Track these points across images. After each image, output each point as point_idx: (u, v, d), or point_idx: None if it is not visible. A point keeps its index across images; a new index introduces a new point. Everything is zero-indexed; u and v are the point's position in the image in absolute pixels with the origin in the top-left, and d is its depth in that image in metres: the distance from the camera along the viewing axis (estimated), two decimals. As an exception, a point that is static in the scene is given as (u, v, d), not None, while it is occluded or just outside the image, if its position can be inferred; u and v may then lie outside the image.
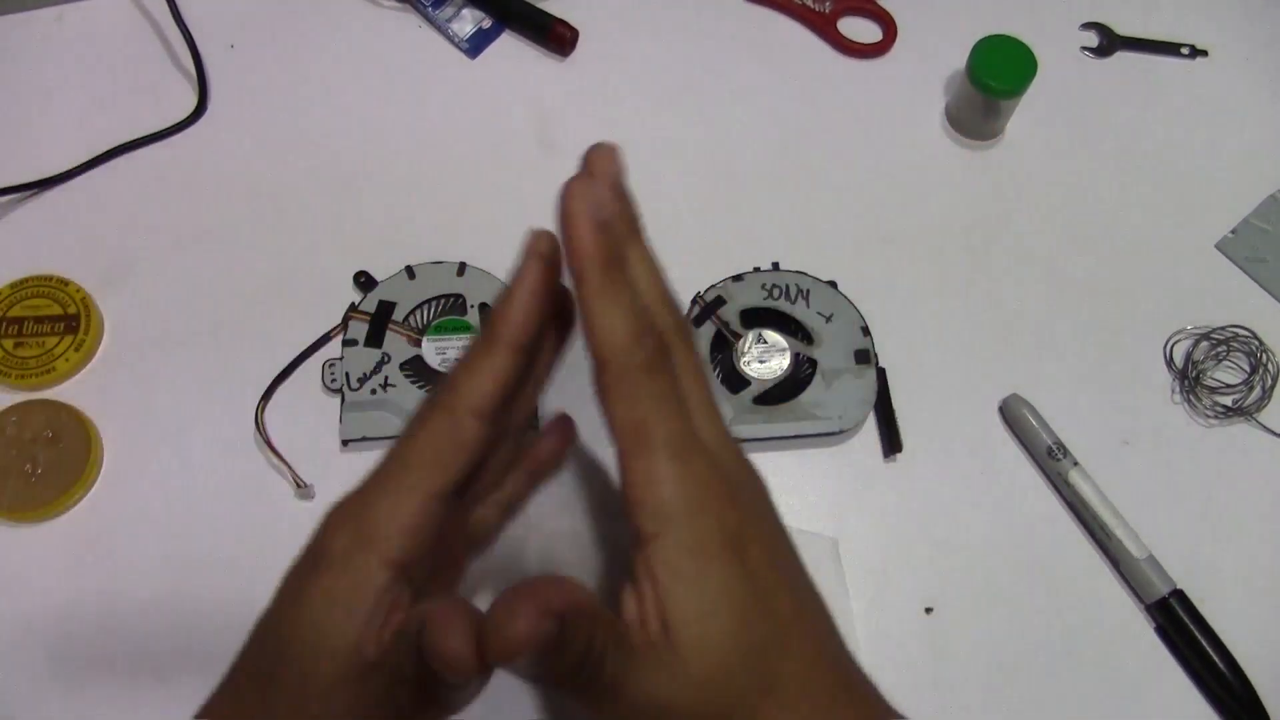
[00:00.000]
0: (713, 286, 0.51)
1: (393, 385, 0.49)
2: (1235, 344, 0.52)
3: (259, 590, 0.47)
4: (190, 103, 0.57)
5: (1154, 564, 0.46)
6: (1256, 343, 0.52)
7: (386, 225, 0.54)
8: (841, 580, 0.47)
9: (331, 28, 0.60)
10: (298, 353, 0.50)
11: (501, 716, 0.42)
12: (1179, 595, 0.45)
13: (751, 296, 0.51)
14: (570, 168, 0.60)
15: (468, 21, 0.60)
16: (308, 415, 0.49)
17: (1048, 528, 0.48)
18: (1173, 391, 0.51)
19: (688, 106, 0.58)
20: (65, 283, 0.51)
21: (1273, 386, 0.51)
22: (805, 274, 0.52)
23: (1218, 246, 0.55)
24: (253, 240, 0.54)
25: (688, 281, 0.52)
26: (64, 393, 0.50)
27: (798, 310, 0.50)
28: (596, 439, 0.46)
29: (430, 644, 0.27)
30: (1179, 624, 0.45)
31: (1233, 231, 0.55)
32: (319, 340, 0.51)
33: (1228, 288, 0.54)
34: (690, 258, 0.53)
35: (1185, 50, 0.60)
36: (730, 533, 0.28)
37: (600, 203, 0.30)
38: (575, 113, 0.58)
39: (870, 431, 0.50)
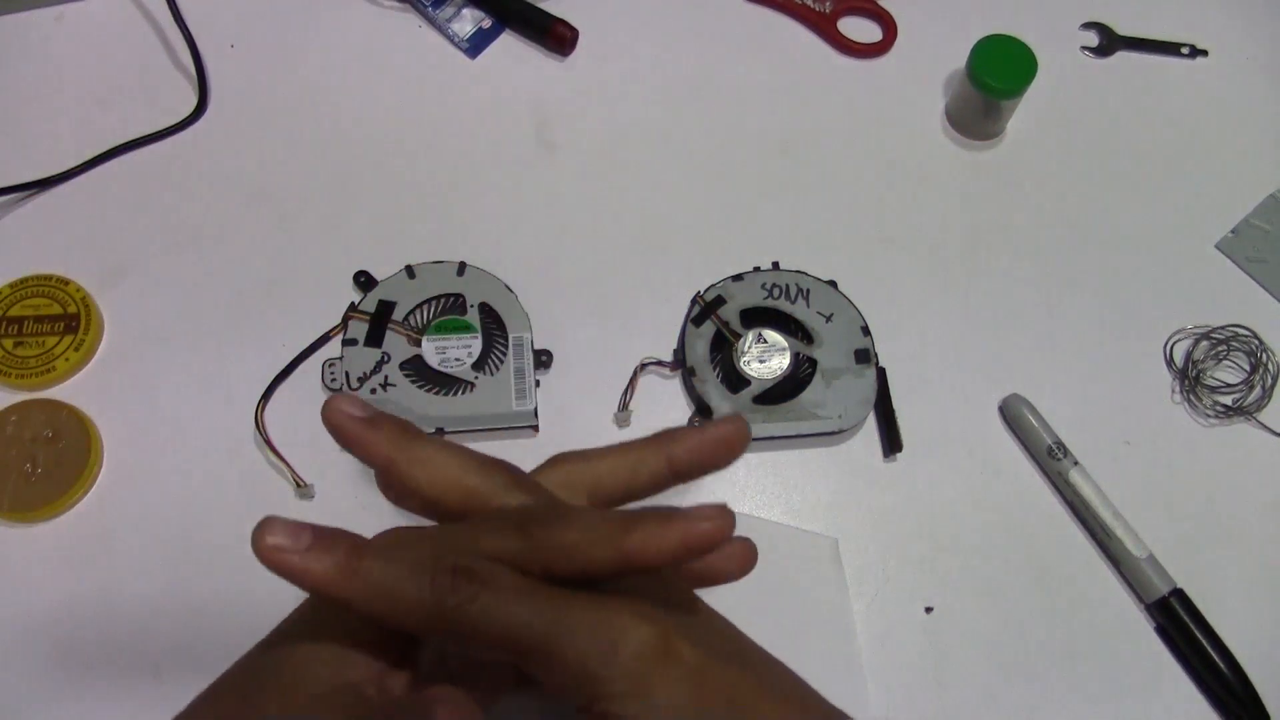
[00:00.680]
0: (712, 286, 0.51)
1: (393, 385, 0.49)
2: (1235, 344, 0.52)
3: (259, 590, 0.47)
4: (190, 103, 0.57)
5: (1154, 564, 0.46)
6: (1256, 342, 0.52)
7: (386, 225, 0.54)
8: (841, 580, 0.47)
9: (331, 28, 0.60)
10: (298, 353, 0.50)
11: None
12: (1179, 595, 0.45)
13: (751, 296, 0.51)
14: (570, 167, 0.61)
15: (468, 21, 0.60)
16: (308, 415, 0.49)
17: (1048, 528, 0.48)
18: (1173, 391, 0.51)
19: (688, 106, 0.58)
20: (65, 282, 0.51)
21: (1273, 386, 0.51)
22: (805, 274, 0.52)
23: (1218, 246, 0.55)
24: (253, 240, 0.54)
25: (687, 281, 0.52)
26: (64, 393, 0.50)
27: (798, 310, 0.50)
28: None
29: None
30: (1179, 623, 0.45)
31: (1233, 231, 0.55)
32: (319, 340, 0.51)
33: (1228, 288, 0.54)
34: (690, 258, 0.53)
35: (1185, 50, 0.60)
36: (654, 657, 0.25)
37: (288, 537, 0.28)
38: (575, 113, 0.58)
39: (870, 431, 0.50)
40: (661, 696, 0.25)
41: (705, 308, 0.51)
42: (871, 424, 0.50)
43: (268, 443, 0.48)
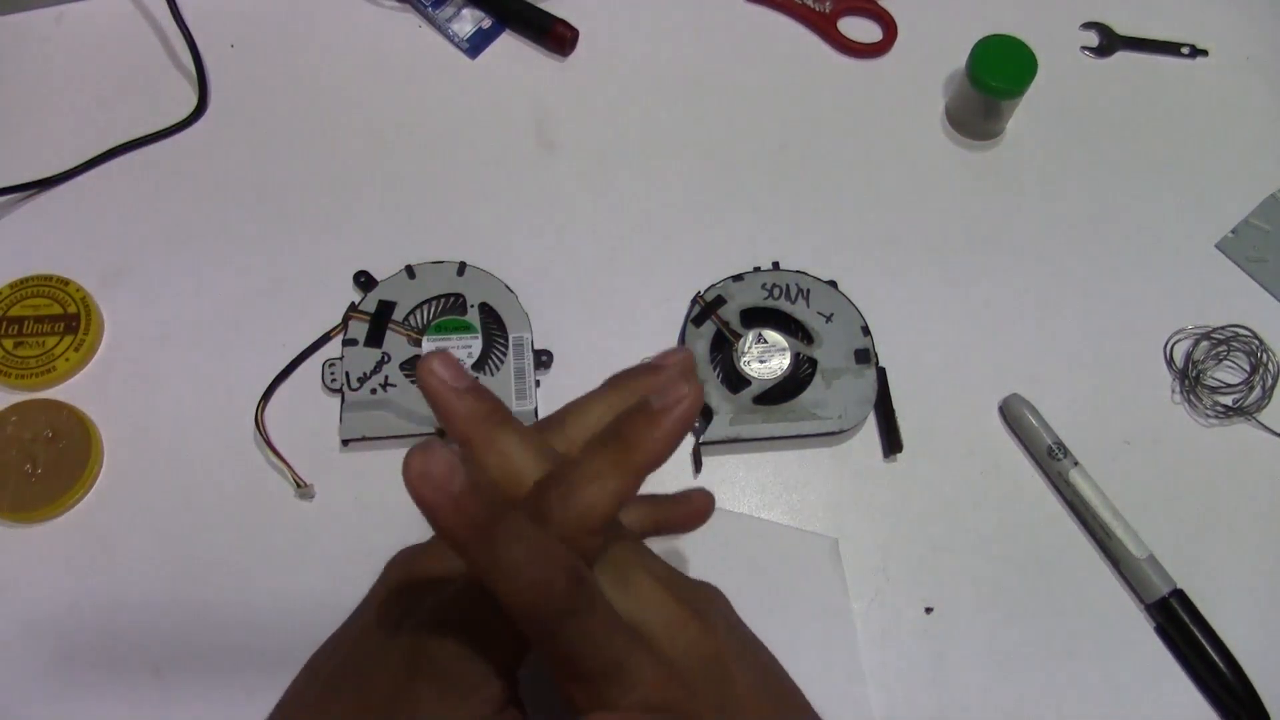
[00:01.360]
0: (713, 286, 0.51)
1: (393, 385, 0.49)
2: (1235, 344, 0.52)
3: (259, 590, 0.48)
4: (190, 103, 0.57)
5: (1154, 564, 0.46)
6: (1256, 342, 0.52)
7: (386, 225, 0.54)
8: (841, 580, 0.47)
9: (331, 28, 0.60)
10: (298, 353, 0.50)
11: None
12: (1179, 595, 0.45)
13: (751, 296, 0.51)
14: (570, 167, 0.61)
15: (468, 21, 0.60)
16: (308, 415, 0.49)
17: (1048, 528, 0.48)
18: (1173, 391, 0.51)
19: (688, 106, 0.58)
20: (65, 283, 0.51)
21: (1273, 386, 0.51)
22: (805, 274, 0.52)
23: (1218, 246, 0.55)
24: (253, 240, 0.54)
25: (687, 281, 0.52)
26: (64, 393, 0.50)
27: (798, 310, 0.50)
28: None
29: None
30: (1179, 624, 0.45)
31: (1233, 231, 0.55)
32: (319, 340, 0.51)
33: (1228, 288, 0.54)
34: (690, 257, 0.53)
35: (1185, 50, 0.60)
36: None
37: (445, 473, 0.25)
38: (575, 113, 0.58)
39: (870, 431, 0.50)
40: None
41: (705, 308, 0.51)
42: (871, 424, 0.50)
43: (268, 443, 0.48)
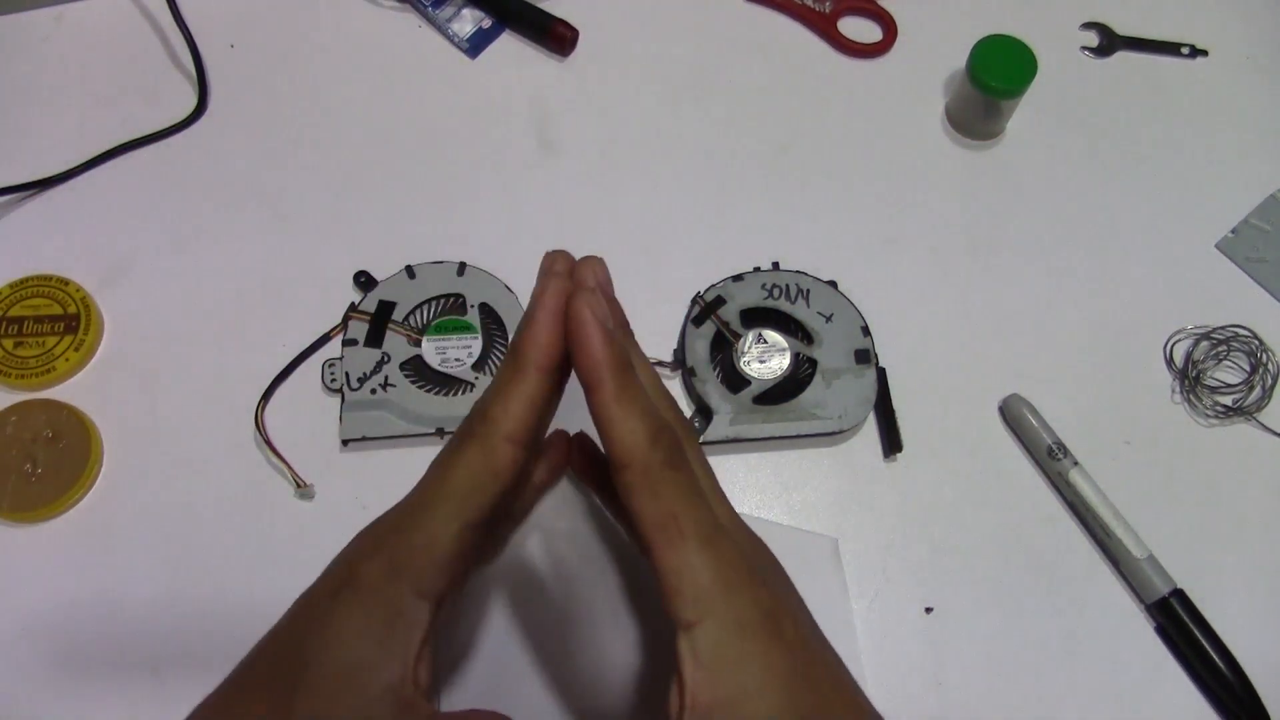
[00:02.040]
0: (713, 286, 0.51)
1: (393, 385, 0.49)
2: (1235, 344, 0.52)
3: (259, 590, 0.48)
4: (190, 103, 0.57)
5: (1154, 564, 0.46)
6: (1256, 343, 0.52)
7: (386, 225, 0.54)
8: (841, 580, 0.47)
9: (331, 28, 0.60)
10: (298, 353, 0.50)
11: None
12: (1179, 595, 0.45)
13: (751, 296, 0.51)
14: (570, 167, 0.61)
15: (468, 21, 0.60)
16: (308, 415, 0.49)
17: (1048, 528, 0.48)
18: (1173, 391, 0.51)
19: (688, 106, 0.58)
20: (65, 283, 0.51)
21: (1273, 386, 0.51)
22: (805, 274, 0.52)
23: (1218, 246, 0.55)
24: (253, 240, 0.54)
25: (688, 281, 0.52)
26: (64, 393, 0.50)
27: (798, 310, 0.50)
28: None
29: None
30: (1179, 624, 0.45)
31: (1233, 231, 0.55)
32: (319, 340, 0.51)
33: (1228, 288, 0.54)
34: (690, 257, 0.53)
35: (1185, 50, 0.60)
36: (766, 610, 0.29)
37: (604, 311, 0.30)
38: (575, 113, 0.58)
39: (870, 431, 0.50)
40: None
41: (705, 308, 0.51)
42: (871, 424, 0.50)
43: (268, 443, 0.48)
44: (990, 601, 0.47)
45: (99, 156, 0.55)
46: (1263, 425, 0.50)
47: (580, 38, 0.59)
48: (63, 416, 0.48)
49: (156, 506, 0.48)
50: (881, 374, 0.50)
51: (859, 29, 0.60)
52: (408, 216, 0.54)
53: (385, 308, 0.50)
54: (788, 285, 0.51)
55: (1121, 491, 0.47)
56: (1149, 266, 0.54)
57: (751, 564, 0.30)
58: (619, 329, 0.34)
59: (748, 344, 0.49)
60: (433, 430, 0.48)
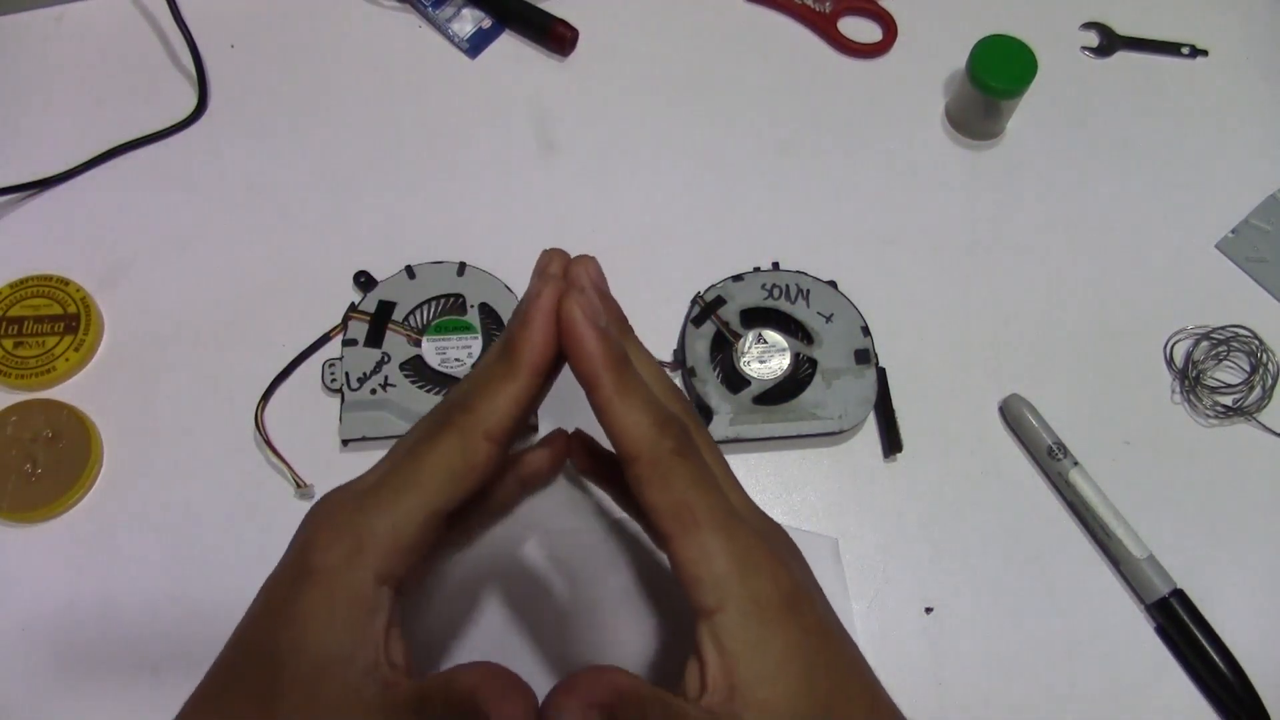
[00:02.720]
0: (713, 286, 0.51)
1: (393, 385, 0.49)
2: (1235, 344, 0.52)
3: (259, 590, 0.47)
4: (190, 103, 0.57)
5: (1154, 564, 0.46)
6: (1256, 343, 0.52)
7: (386, 225, 0.54)
8: (841, 580, 0.47)
9: (331, 28, 0.60)
10: (298, 353, 0.50)
11: None
12: (1179, 595, 0.45)
13: (751, 296, 0.51)
14: (570, 167, 0.61)
15: (468, 21, 0.60)
16: (308, 415, 0.49)
17: (1048, 528, 0.48)
18: (1173, 391, 0.51)
19: (688, 106, 0.58)
20: (65, 283, 0.51)
21: (1273, 386, 0.51)
22: (805, 274, 0.52)
23: (1218, 246, 0.55)
24: (253, 240, 0.54)
25: (688, 281, 0.52)
26: (64, 393, 0.50)
27: (798, 310, 0.50)
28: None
29: (489, 713, 0.28)
30: (1179, 624, 0.45)
31: (1233, 231, 0.55)
32: (319, 340, 0.51)
33: (1228, 288, 0.54)
34: (690, 257, 0.53)
35: (1185, 50, 0.60)
36: (785, 594, 0.30)
37: (596, 310, 0.31)
38: (575, 113, 0.58)
39: (870, 431, 0.50)
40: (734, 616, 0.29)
41: (705, 308, 0.51)
42: (871, 424, 0.50)
43: (268, 443, 0.48)
44: (990, 601, 0.47)
45: (99, 156, 0.55)
46: (1263, 425, 0.50)
47: (580, 38, 0.59)
48: (63, 416, 0.48)
49: (156, 506, 0.48)
50: (881, 374, 0.50)
51: (859, 29, 0.60)
52: (408, 216, 0.54)
53: (385, 308, 0.50)
54: (788, 285, 0.51)
55: (1121, 491, 0.47)
56: (1149, 266, 0.54)
57: (769, 548, 0.31)
58: (615, 324, 0.34)
59: (748, 344, 0.49)
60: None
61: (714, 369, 0.50)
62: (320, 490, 0.48)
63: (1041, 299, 0.53)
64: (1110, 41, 0.60)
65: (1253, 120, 0.58)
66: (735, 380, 0.49)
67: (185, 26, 0.57)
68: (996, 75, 0.53)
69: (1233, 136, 0.58)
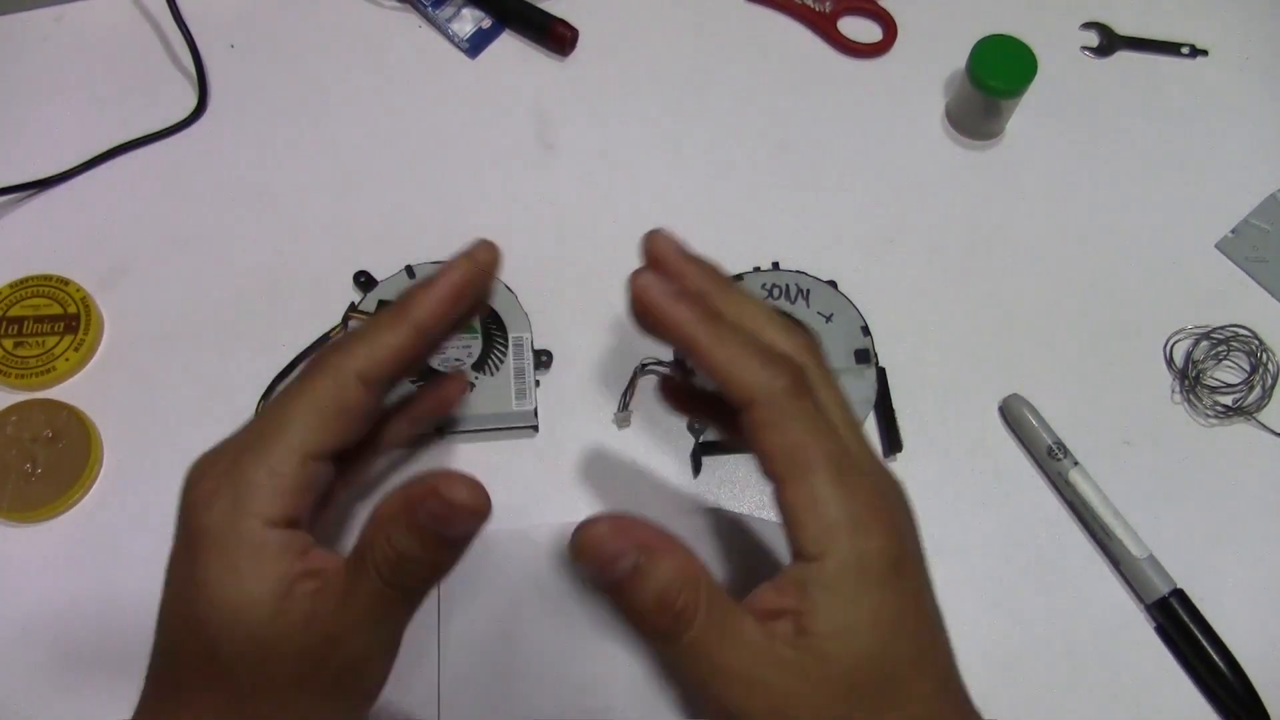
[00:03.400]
0: (713, 286, 0.51)
1: (393, 385, 0.48)
2: (1235, 344, 0.52)
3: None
4: (190, 103, 0.57)
5: (1154, 564, 0.46)
6: (1256, 342, 0.52)
7: (386, 225, 0.54)
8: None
9: (331, 28, 0.60)
10: (298, 353, 0.50)
11: None
12: (1179, 595, 0.45)
13: None
14: (570, 167, 0.61)
15: (468, 21, 0.60)
16: (308, 415, 0.49)
17: (1048, 528, 0.48)
18: (1173, 391, 0.51)
19: (688, 106, 0.58)
20: (65, 282, 0.51)
21: (1273, 386, 0.51)
22: (805, 274, 0.52)
23: (1218, 246, 0.55)
24: (253, 240, 0.54)
25: (688, 281, 0.52)
26: (64, 393, 0.50)
27: (798, 310, 0.50)
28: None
29: (443, 501, 0.29)
30: (1179, 624, 0.45)
31: (1233, 231, 0.55)
32: (319, 340, 0.51)
33: (1228, 288, 0.54)
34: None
35: (1185, 50, 0.60)
36: (891, 556, 0.29)
37: (663, 283, 0.31)
38: (575, 113, 0.58)
39: (870, 432, 0.50)
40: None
41: None
42: (872, 424, 0.50)
43: (268, 443, 0.48)
44: (990, 601, 0.47)
45: (99, 156, 0.55)
46: (1263, 425, 0.50)
47: (580, 38, 0.59)
48: (63, 416, 0.48)
49: (156, 506, 0.48)
50: (881, 374, 0.50)
51: (859, 29, 0.60)
52: (408, 216, 0.54)
53: (385, 308, 0.50)
54: (788, 285, 0.51)
55: (1121, 491, 0.47)
56: (1149, 266, 0.54)
57: (883, 504, 0.30)
58: (704, 279, 0.33)
59: None
60: (433, 430, 0.48)
61: None
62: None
63: (1041, 299, 0.53)
64: (1110, 41, 0.60)
65: (1253, 120, 0.58)
66: (735, 380, 0.49)
67: (185, 26, 0.57)
68: (996, 75, 0.53)
69: (1233, 136, 0.58)
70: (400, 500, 0.29)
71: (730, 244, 0.53)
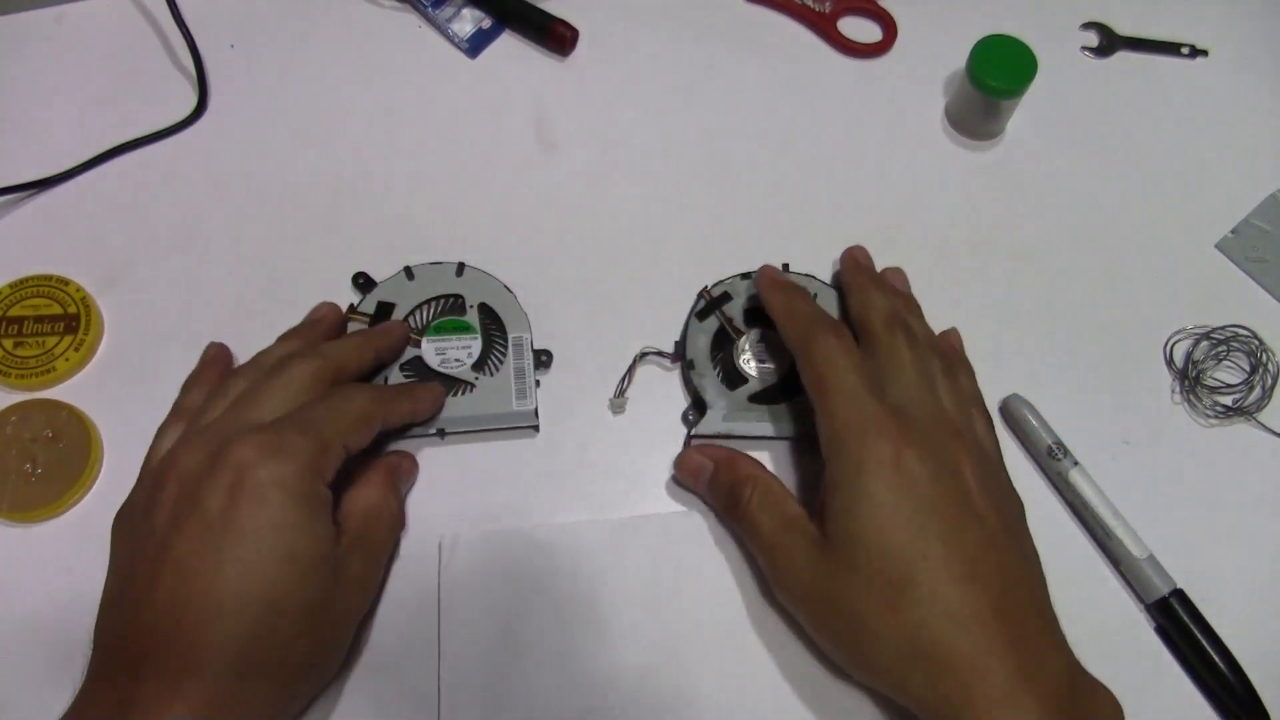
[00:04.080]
0: (720, 282, 0.51)
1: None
2: (1235, 344, 0.52)
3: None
4: (190, 103, 0.57)
5: (1154, 564, 0.46)
6: (1256, 343, 0.52)
7: (386, 225, 0.54)
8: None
9: (331, 28, 0.60)
10: (298, 353, 0.50)
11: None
12: (1179, 595, 0.45)
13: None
14: (570, 167, 0.61)
15: (468, 21, 0.60)
16: (308, 415, 0.49)
17: (1048, 528, 0.48)
18: (1173, 391, 0.51)
19: (688, 106, 0.58)
20: (65, 282, 0.51)
21: (1273, 386, 0.51)
22: (814, 277, 0.52)
23: (1218, 246, 0.55)
24: (253, 240, 0.54)
25: (687, 281, 0.52)
26: (64, 393, 0.50)
27: None
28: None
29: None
30: (1179, 624, 0.45)
31: (1233, 231, 0.55)
32: (319, 340, 0.51)
33: (1228, 288, 0.54)
34: (689, 258, 0.53)
35: (1185, 50, 0.60)
36: (886, 457, 0.38)
37: (774, 270, 0.50)
38: (575, 113, 0.58)
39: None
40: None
41: (711, 302, 0.51)
42: None
43: (268, 443, 0.48)
44: (990, 601, 0.47)
45: (99, 156, 0.55)
46: (1263, 425, 0.50)
47: (580, 38, 0.59)
48: (63, 416, 0.48)
49: (156, 506, 0.48)
50: None
51: (859, 29, 0.60)
52: (407, 217, 0.54)
53: (384, 309, 0.50)
54: None
55: (1121, 491, 0.47)
56: (1149, 266, 0.54)
57: (900, 420, 0.39)
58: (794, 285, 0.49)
59: (748, 342, 0.49)
60: (433, 431, 0.48)
61: (714, 365, 0.50)
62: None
63: (1041, 299, 0.53)
64: (1110, 41, 0.60)
65: (1253, 120, 0.58)
66: (734, 377, 0.49)
67: (185, 26, 0.57)
68: (996, 75, 0.53)
69: (1233, 136, 0.58)
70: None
71: (730, 244, 0.53)
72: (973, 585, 0.36)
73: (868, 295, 0.46)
